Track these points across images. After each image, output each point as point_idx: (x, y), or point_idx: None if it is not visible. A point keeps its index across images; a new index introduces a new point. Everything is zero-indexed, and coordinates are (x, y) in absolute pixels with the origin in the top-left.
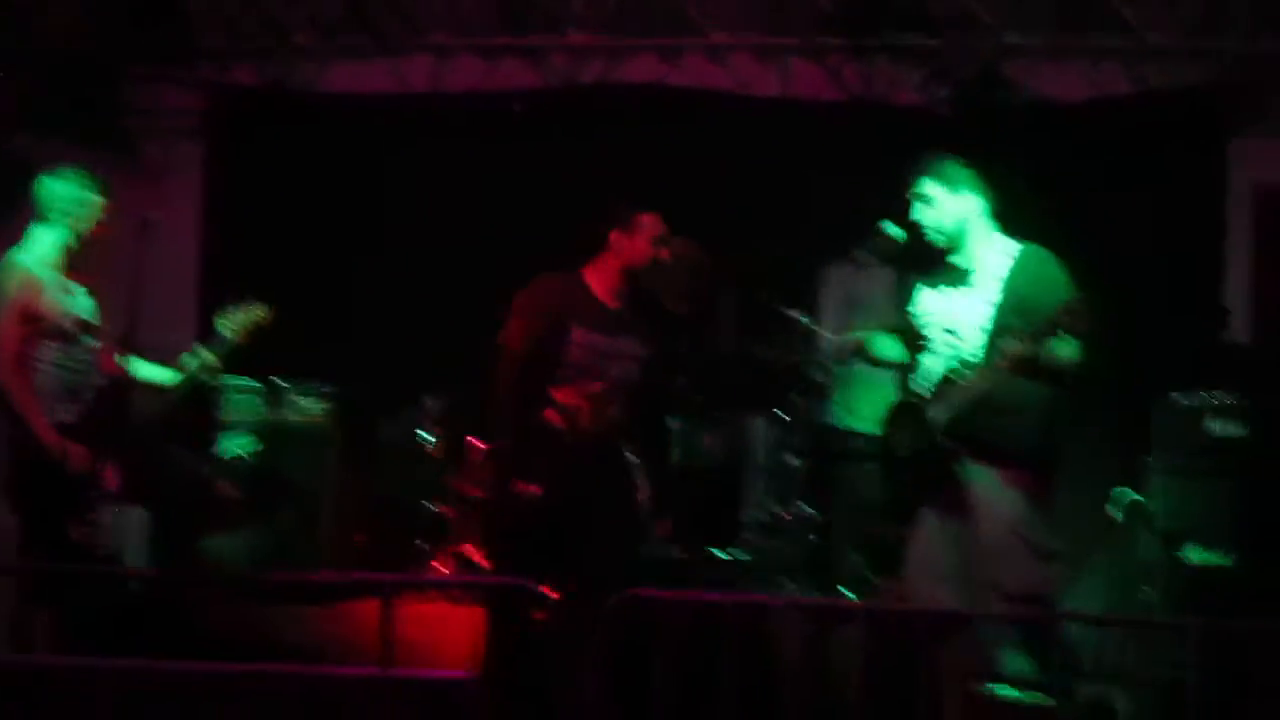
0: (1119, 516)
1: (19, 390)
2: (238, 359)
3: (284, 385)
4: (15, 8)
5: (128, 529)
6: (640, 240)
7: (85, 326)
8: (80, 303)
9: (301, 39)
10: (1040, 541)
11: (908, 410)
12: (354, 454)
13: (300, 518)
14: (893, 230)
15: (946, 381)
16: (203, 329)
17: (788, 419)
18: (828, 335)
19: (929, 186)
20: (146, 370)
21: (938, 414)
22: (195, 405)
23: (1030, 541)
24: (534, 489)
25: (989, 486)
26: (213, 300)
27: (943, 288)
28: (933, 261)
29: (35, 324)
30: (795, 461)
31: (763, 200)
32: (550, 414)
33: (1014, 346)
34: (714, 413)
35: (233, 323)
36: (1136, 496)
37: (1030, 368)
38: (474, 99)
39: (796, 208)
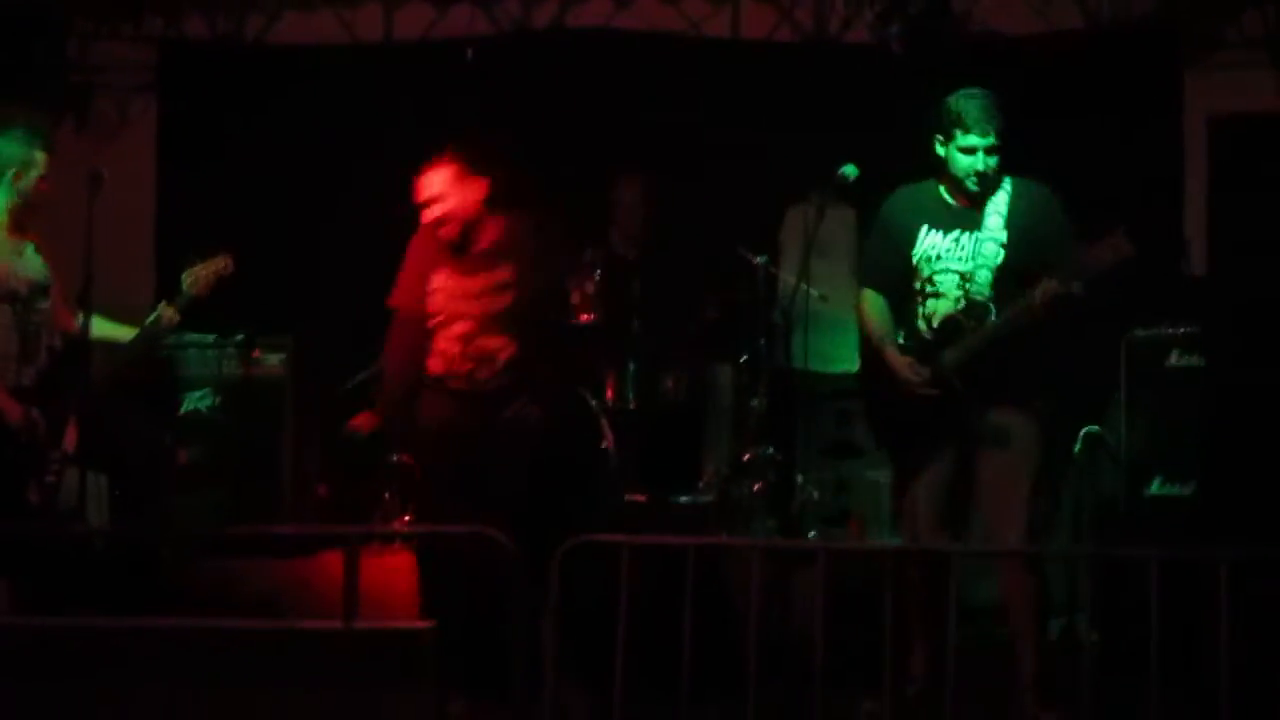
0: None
1: None
2: (197, 312)
3: (242, 338)
4: None
5: (89, 489)
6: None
7: (36, 287)
8: (30, 263)
9: None
10: (1041, 479)
11: (955, 328)
12: (314, 406)
13: (260, 471)
14: (849, 170)
15: (952, 322)
16: (161, 284)
17: (748, 361)
18: (787, 278)
19: (957, 125)
20: (102, 327)
21: (947, 356)
22: (152, 362)
23: (1034, 481)
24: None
25: (1004, 426)
26: (170, 255)
27: (946, 229)
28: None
29: None
30: (755, 403)
31: (718, 144)
32: (431, 362)
33: (1049, 286)
34: (673, 356)
35: (195, 275)
36: (1095, 429)
37: (1062, 307)
38: (425, 47)
39: (752, 150)
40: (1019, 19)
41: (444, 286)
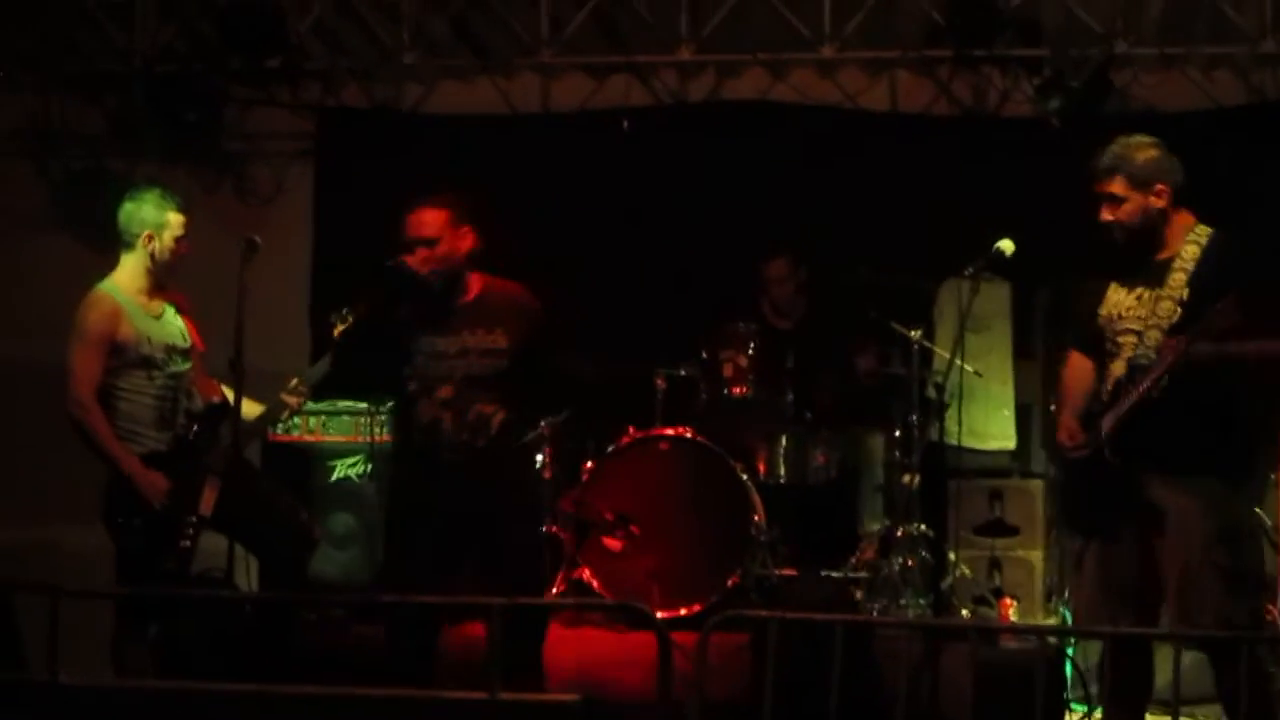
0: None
1: (97, 423)
2: (345, 377)
3: (393, 405)
4: (108, 26)
5: (237, 554)
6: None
7: (173, 351)
8: (168, 326)
9: (408, 59)
10: (1235, 566)
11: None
12: None
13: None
14: (1006, 245)
15: (1118, 386)
16: (315, 351)
17: (901, 436)
18: (941, 352)
19: (1114, 181)
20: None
21: (1104, 421)
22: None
23: (1223, 566)
24: None
25: (1168, 504)
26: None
27: (1129, 285)
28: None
29: (117, 355)
30: (908, 479)
31: (874, 216)
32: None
33: (1177, 343)
34: (825, 429)
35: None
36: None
37: (1195, 368)
38: (582, 118)
39: (909, 223)
40: (1181, 94)
41: (428, 349)
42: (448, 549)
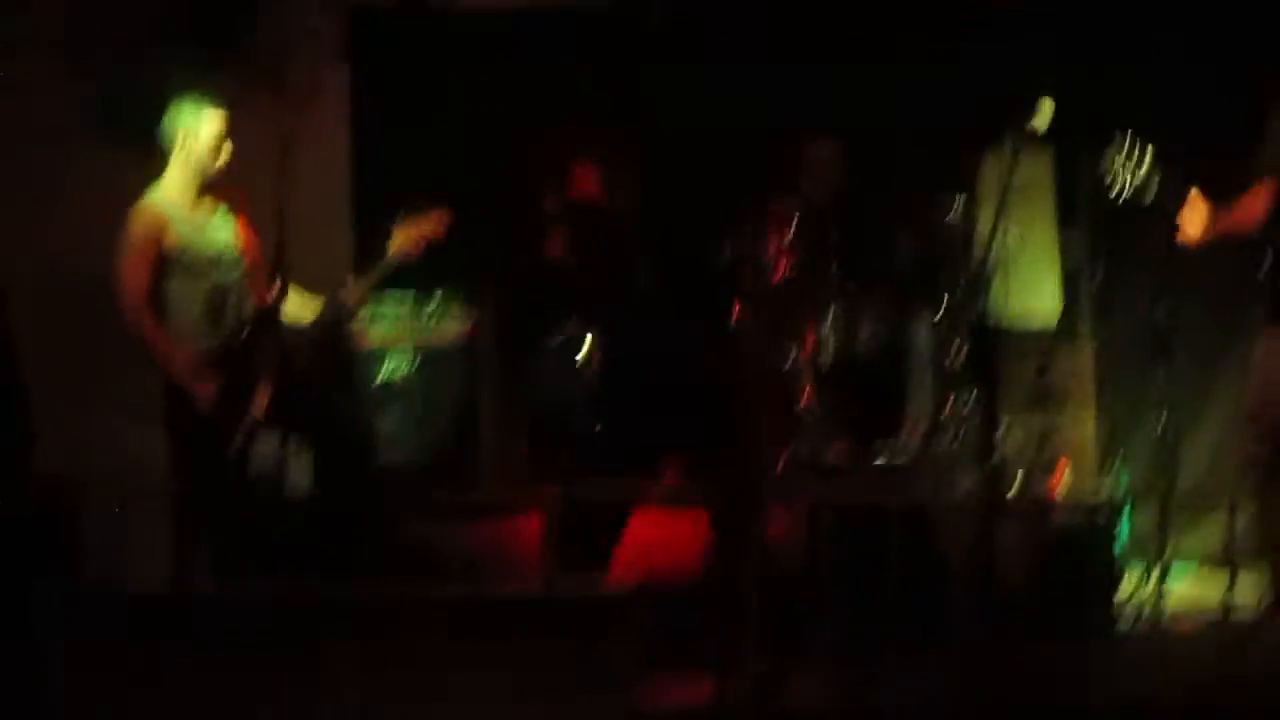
0: None
1: (150, 330)
2: (393, 274)
3: (436, 300)
4: None
5: (290, 455)
6: None
7: (220, 256)
8: (219, 231)
9: None
10: None
11: None
12: (511, 369)
13: (460, 434)
14: (1045, 113)
15: None
16: (359, 249)
17: (946, 311)
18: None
19: None
20: (290, 304)
21: None
22: (343, 333)
23: None
24: None
25: None
26: (367, 221)
27: None
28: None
29: (165, 262)
30: (954, 354)
31: (910, 88)
32: None
33: None
34: (870, 306)
35: (405, 233)
36: None
37: None
38: (616, 5)
39: (944, 86)
40: None
41: None
42: None
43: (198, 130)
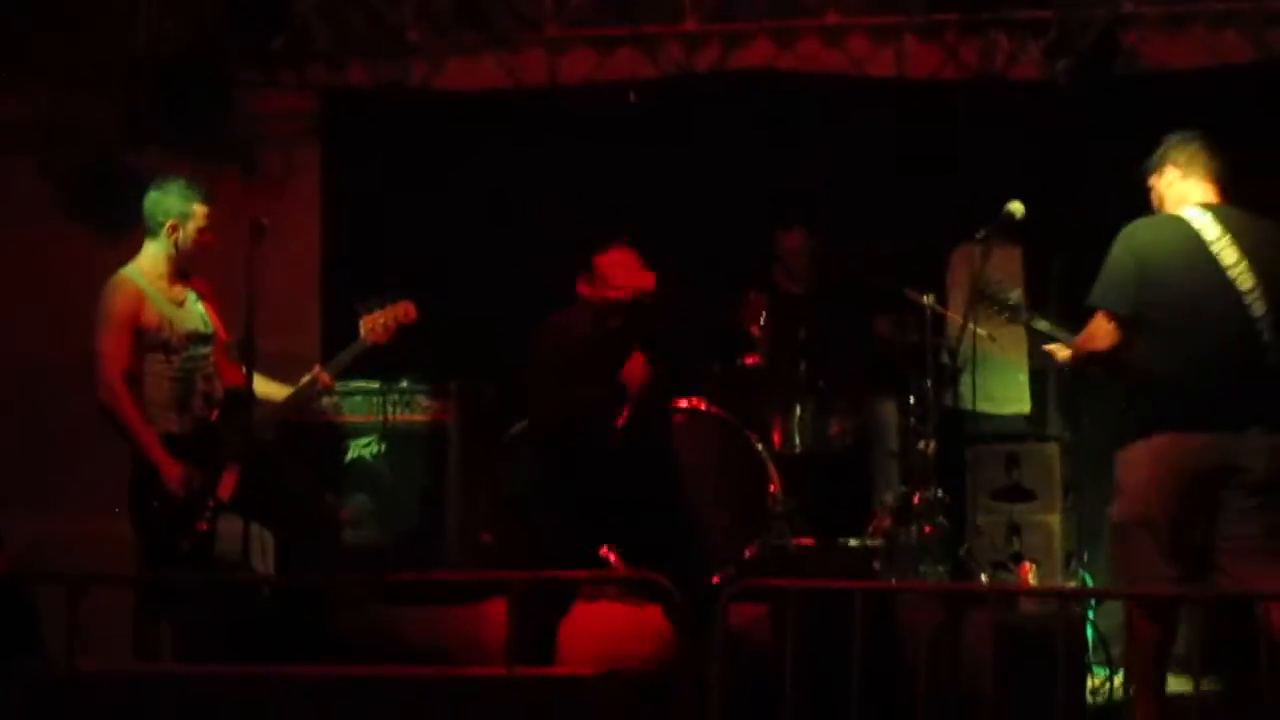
0: None
1: (126, 406)
2: (364, 359)
3: (406, 385)
4: (111, 16)
5: (253, 539)
6: (605, 288)
7: (194, 336)
8: (190, 312)
9: (413, 36)
10: None
11: None
12: (477, 453)
13: (426, 519)
14: (1016, 207)
15: None
16: (326, 334)
17: (915, 402)
18: (954, 317)
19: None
20: (258, 385)
21: None
22: (313, 412)
23: None
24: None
25: None
26: (335, 305)
27: None
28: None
29: (140, 337)
30: (923, 445)
31: (883, 183)
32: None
33: None
34: (840, 398)
35: (375, 321)
36: None
37: None
38: (589, 91)
39: (918, 190)
40: (1188, 52)
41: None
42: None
43: (185, 219)
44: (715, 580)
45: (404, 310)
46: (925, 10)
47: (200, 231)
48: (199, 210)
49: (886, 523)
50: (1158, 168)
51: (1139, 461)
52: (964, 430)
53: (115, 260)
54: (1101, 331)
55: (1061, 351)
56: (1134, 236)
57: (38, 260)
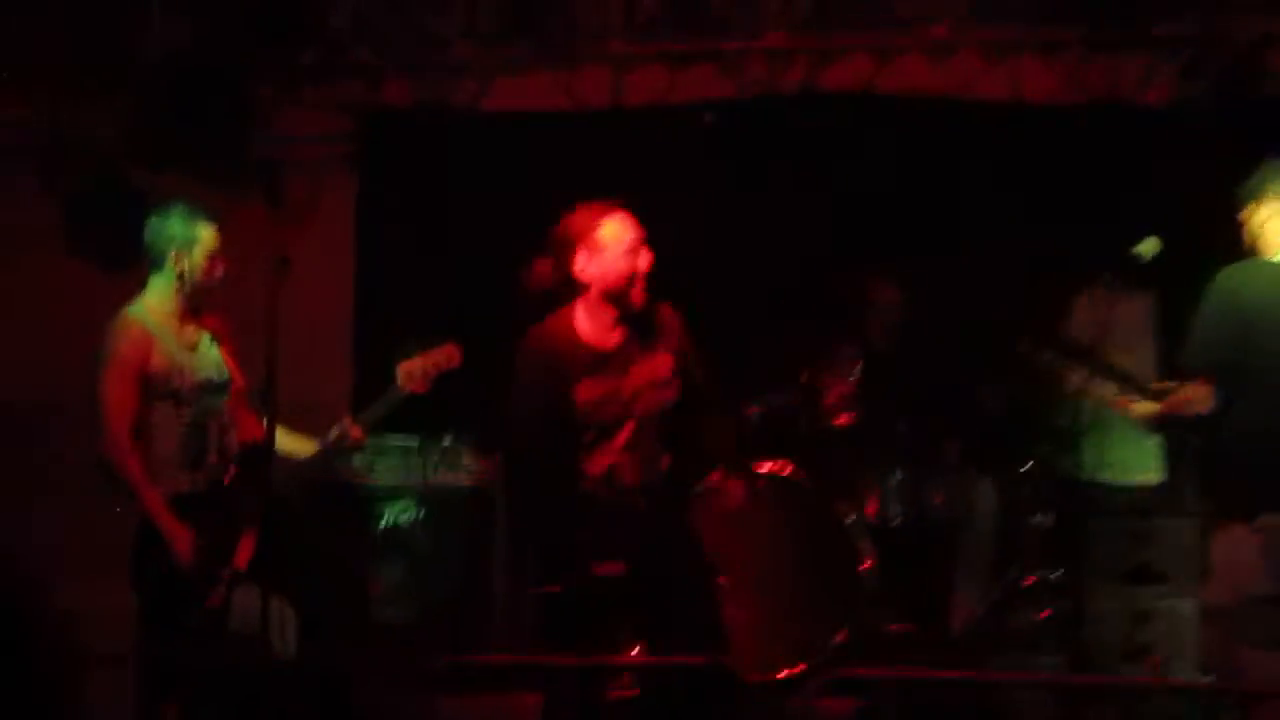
0: None
1: (132, 465)
2: (396, 414)
3: (447, 441)
4: (119, 21)
5: (273, 612)
6: (608, 260)
7: (208, 384)
8: (204, 357)
9: (460, 52)
10: None
11: None
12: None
13: (466, 595)
14: (1148, 247)
15: None
16: (360, 382)
17: (1029, 471)
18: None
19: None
20: (279, 440)
21: None
22: (340, 475)
23: None
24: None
25: None
26: (369, 349)
27: None
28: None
29: (147, 384)
30: (1039, 519)
31: (994, 220)
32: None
33: None
34: (943, 464)
35: (413, 368)
36: None
37: None
38: (659, 113)
39: (1036, 227)
40: None
41: (594, 395)
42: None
43: (190, 246)
44: (799, 670)
45: (446, 355)
46: (1045, 24)
47: (209, 259)
48: (205, 234)
49: (996, 605)
50: (1255, 199)
51: (1239, 546)
52: (1083, 502)
53: (122, 294)
54: (1201, 397)
55: (1144, 408)
56: (1232, 288)
57: (36, 291)
